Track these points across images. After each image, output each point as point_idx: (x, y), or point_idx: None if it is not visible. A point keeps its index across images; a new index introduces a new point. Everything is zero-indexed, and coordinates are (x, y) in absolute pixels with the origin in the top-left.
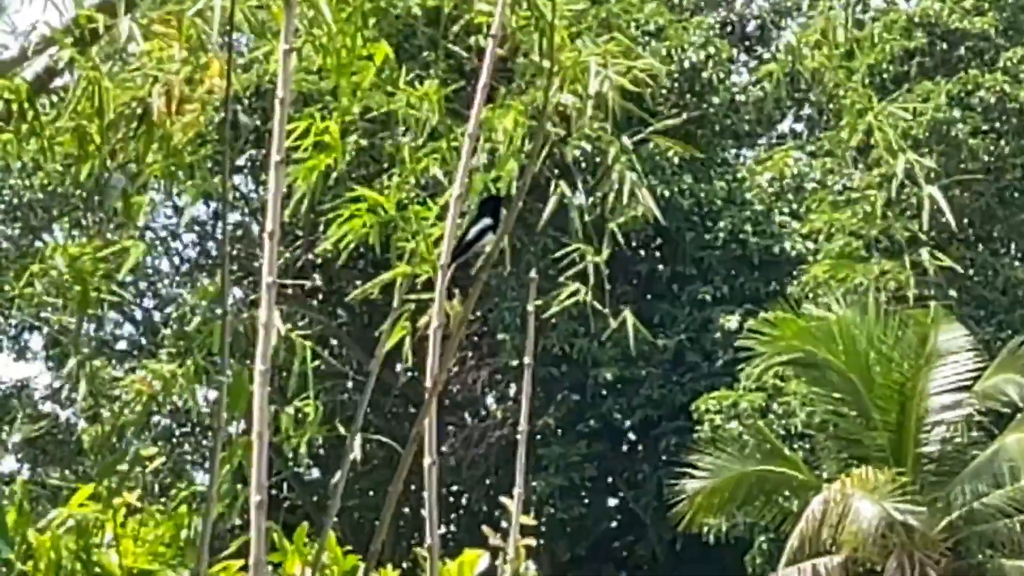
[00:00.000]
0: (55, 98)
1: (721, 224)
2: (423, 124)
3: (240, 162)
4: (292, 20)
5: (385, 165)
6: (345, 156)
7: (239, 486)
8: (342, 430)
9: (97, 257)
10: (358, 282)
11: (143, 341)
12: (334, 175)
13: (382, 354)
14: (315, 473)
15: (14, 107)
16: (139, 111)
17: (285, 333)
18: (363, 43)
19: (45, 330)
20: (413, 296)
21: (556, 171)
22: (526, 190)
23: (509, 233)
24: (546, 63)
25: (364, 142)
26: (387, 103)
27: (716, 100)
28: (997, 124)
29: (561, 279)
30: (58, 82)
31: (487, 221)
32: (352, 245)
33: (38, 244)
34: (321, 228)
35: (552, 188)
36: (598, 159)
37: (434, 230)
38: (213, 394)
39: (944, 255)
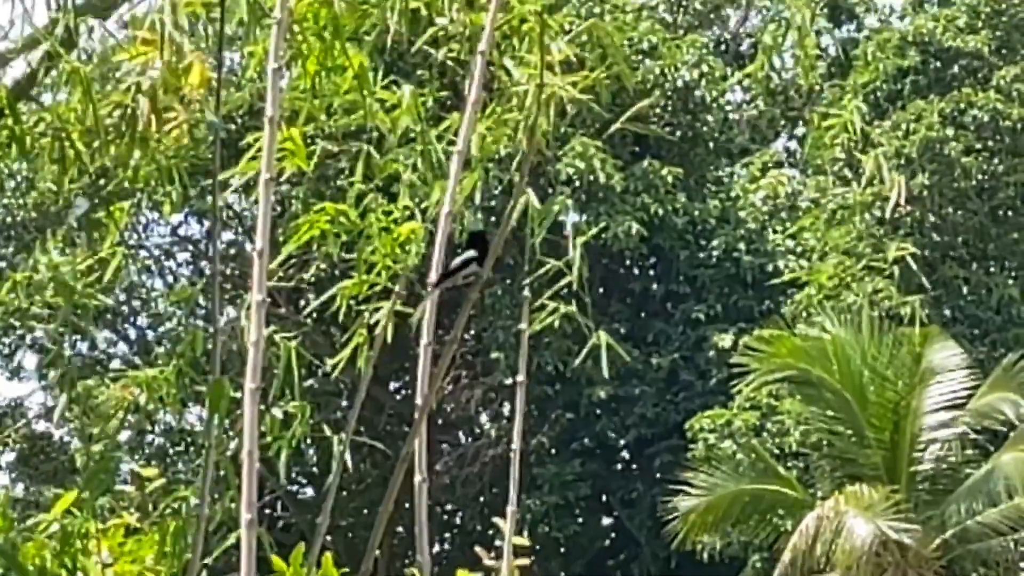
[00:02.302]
0: (34, 105)
1: (714, 243)
2: (396, 128)
3: (233, 181)
4: (281, 38)
5: (353, 180)
6: (312, 161)
7: (228, 502)
8: (333, 437)
9: (82, 269)
10: (351, 301)
11: (137, 360)
12: (328, 193)
13: (369, 370)
14: (309, 492)
15: None
16: (127, 115)
17: (268, 335)
18: (341, 53)
19: (39, 349)
20: (374, 304)
21: (550, 189)
22: (516, 207)
23: (501, 254)
24: (521, 76)
25: (354, 154)
26: (363, 114)
27: (710, 118)
28: (990, 143)
29: (546, 296)
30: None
31: (472, 253)
32: (344, 257)
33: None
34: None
35: (512, 202)
36: (592, 176)
37: (399, 231)
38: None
39: (935, 274)
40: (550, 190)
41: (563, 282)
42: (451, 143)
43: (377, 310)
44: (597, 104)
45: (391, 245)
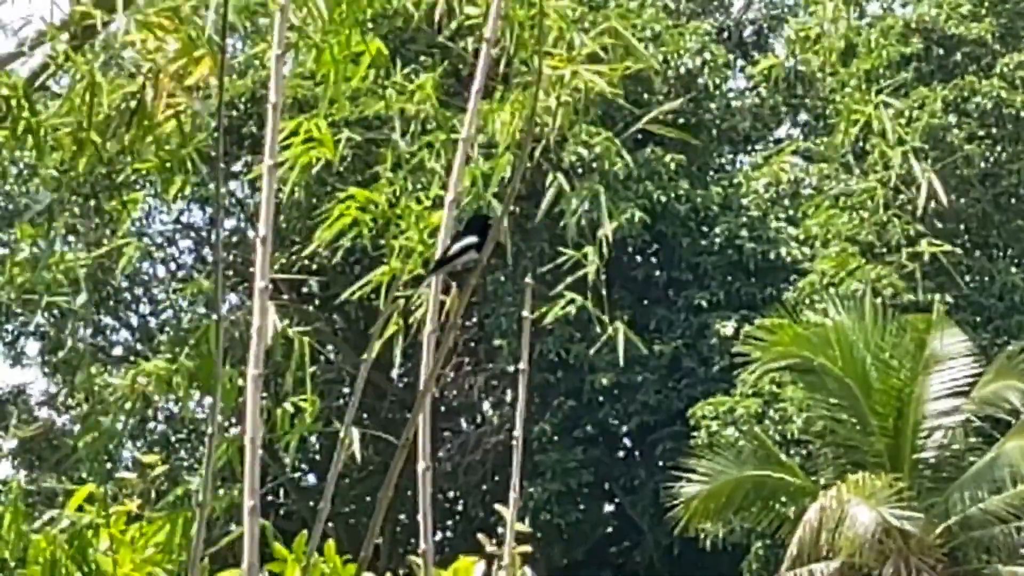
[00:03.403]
0: (50, 95)
1: (717, 230)
2: (417, 118)
3: (236, 168)
4: (284, 24)
5: (383, 168)
6: (338, 151)
7: (234, 492)
8: (338, 425)
9: (90, 258)
10: (354, 287)
11: (139, 347)
12: (331, 180)
13: (372, 355)
14: (311, 479)
15: (11, 103)
16: (132, 104)
17: (282, 329)
18: (358, 40)
19: (41, 336)
20: (401, 293)
21: (554, 175)
22: (515, 194)
23: (502, 239)
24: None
25: (357, 141)
26: (381, 102)
27: (712, 106)
28: (993, 130)
29: (559, 287)
30: (51, 81)
31: (471, 239)
32: (346, 246)
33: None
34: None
35: (548, 184)
36: (595, 164)
37: (429, 220)
38: (207, 399)
39: (937, 261)
40: (553, 174)
41: (578, 274)
42: (477, 131)
43: (407, 298)
44: (605, 95)
45: (422, 233)
